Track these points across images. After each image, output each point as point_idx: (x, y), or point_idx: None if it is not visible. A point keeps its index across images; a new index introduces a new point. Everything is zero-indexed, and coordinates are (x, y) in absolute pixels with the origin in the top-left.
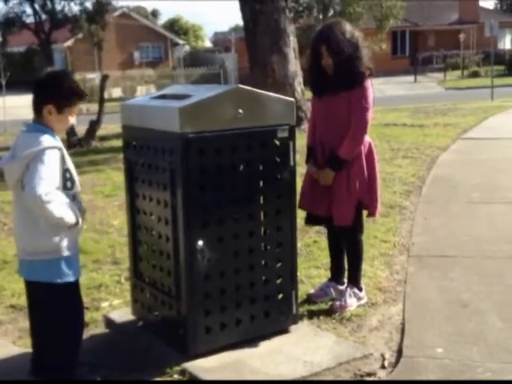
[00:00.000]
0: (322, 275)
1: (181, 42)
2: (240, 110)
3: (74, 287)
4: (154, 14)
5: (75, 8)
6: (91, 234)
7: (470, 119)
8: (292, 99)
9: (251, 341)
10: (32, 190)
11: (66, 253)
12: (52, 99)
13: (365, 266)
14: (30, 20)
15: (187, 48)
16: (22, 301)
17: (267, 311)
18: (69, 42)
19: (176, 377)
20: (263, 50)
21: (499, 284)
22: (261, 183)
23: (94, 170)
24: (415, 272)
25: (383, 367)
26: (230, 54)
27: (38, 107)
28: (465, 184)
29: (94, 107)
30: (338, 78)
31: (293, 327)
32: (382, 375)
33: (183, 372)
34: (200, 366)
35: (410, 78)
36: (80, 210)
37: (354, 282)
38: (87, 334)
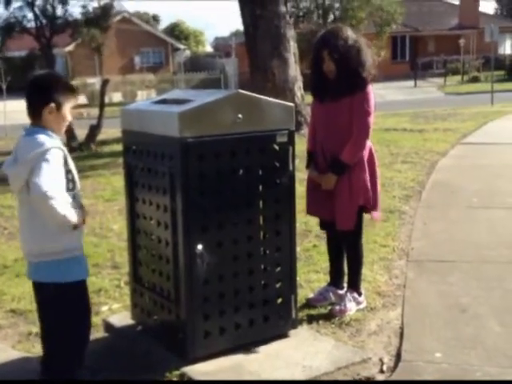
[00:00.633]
0: (322, 279)
1: (181, 46)
2: (239, 115)
3: (82, 288)
4: (155, 18)
5: (76, 12)
6: (91, 238)
7: (469, 124)
8: (291, 104)
9: (250, 345)
10: (37, 188)
11: (73, 253)
12: (51, 98)
13: (364, 271)
14: (30, 25)
15: (188, 53)
16: (22, 305)
17: (266, 315)
18: (69, 47)
19: (175, 380)
20: (263, 55)
21: (498, 289)
22: (260, 188)
23: (94, 175)
24: (414, 277)
25: (382, 371)
26: (231, 58)
27: (36, 111)
28: (464, 189)
29: (95, 112)
30: (340, 83)
31: (292, 332)
32: (381, 379)
33: (182, 376)
34: (199, 370)
35: (410, 83)
36: (82, 210)
37: (354, 286)
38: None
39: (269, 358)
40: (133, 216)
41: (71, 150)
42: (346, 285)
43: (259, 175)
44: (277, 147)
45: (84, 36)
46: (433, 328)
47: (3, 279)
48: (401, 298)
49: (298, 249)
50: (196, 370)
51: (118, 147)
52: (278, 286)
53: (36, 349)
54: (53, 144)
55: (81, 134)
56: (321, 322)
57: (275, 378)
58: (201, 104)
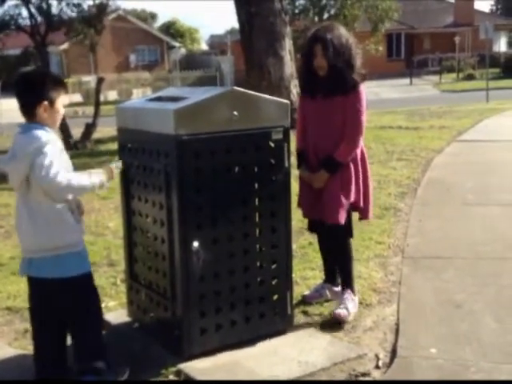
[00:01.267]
0: (317, 276)
1: (177, 44)
2: (235, 112)
3: (87, 280)
4: (153, 16)
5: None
6: (87, 236)
7: (465, 122)
8: (286, 101)
9: (246, 342)
10: (45, 178)
11: (75, 248)
12: (44, 96)
13: (360, 267)
14: (25, 23)
15: (183, 51)
16: (18, 303)
17: (262, 312)
18: (64, 45)
19: (171, 377)
20: (259, 53)
21: (493, 285)
22: (255, 185)
23: None
24: (409, 273)
25: (377, 367)
26: (226, 56)
27: (30, 109)
28: (459, 186)
29: (90, 110)
30: (332, 80)
31: (288, 328)
32: (377, 375)
33: (178, 373)
34: (195, 367)
35: (406, 81)
36: (79, 205)
37: (349, 286)
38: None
39: (265, 355)
40: (129, 213)
41: (67, 148)
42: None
43: (255, 172)
44: (272, 144)
45: (79, 34)
46: (428, 324)
47: None
48: (396, 295)
49: (294, 246)
50: (192, 367)
51: (114, 146)
52: (273, 282)
53: (32, 346)
54: (49, 137)
55: (76, 132)
56: (317, 318)
57: (271, 375)
58: (196, 101)
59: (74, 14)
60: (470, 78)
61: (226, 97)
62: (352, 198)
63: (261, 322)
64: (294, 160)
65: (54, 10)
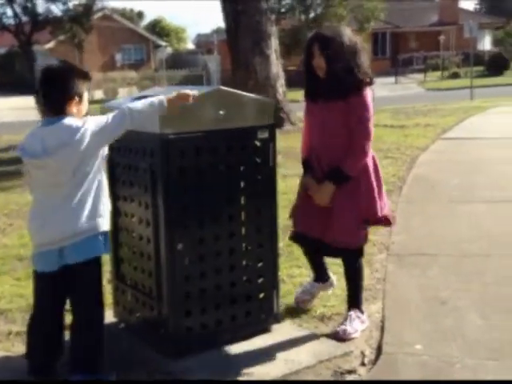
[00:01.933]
0: (304, 274)
1: (163, 43)
2: (221, 111)
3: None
4: (139, 15)
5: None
6: None
7: (449, 120)
8: (272, 100)
9: (232, 340)
10: (114, 117)
11: (105, 227)
12: (73, 92)
13: None
14: (10, 22)
15: (169, 50)
16: (2, 304)
17: (248, 311)
18: (50, 44)
19: (158, 377)
20: (245, 52)
21: (477, 282)
22: (241, 184)
23: None
24: (395, 270)
25: (363, 364)
26: (213, 55)
27: (59, 105)
28: (444, 183)
29: None
30: (332, 83)
31: (274, 326)
32: (362, 372)
33: (164, 372)
34: (181, 367)
35: (391, 79)
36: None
37: (356, 305)
38: (68, 336)
39: (251, 353)
40: (114, 213)
41: None
42: (334, 281)
43: (240, 171)
44: (258, 143)
45: (65, 33)
46: (413, 321)
47: None
48: (381, 292)
49: (280, 244)
50: (178, 366)
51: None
52: (260, 281)
53: (16, 348)
54: (82, 119)
55: None
56: (303, 316)
57: (258, 373)
58: None
59: (59, 13)
60: (455, 76)
61: (211, 96)
62: (366, 212)
63: (247, 320)
64: (279, 159)
65: (40, 9)
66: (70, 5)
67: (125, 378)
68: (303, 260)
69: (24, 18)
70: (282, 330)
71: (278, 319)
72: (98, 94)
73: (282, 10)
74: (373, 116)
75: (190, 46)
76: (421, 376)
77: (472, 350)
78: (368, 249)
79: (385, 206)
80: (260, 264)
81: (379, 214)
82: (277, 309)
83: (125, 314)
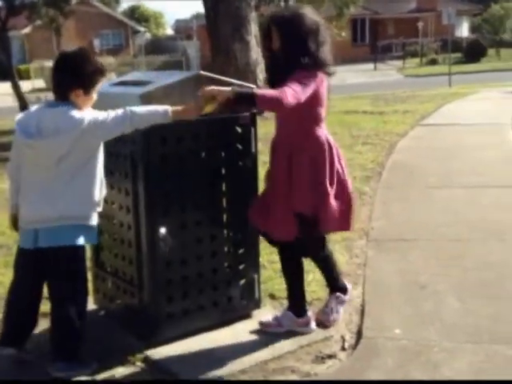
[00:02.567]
0: None
1: (141, 29)
2: None
3: (83, 253)
4: (117, 0)
5: None
6: None
7: (428, 106)
8: (253, 86)
9: (214, 326)
10: (111, 122)
11: (87, 221)
12: (78, 84)
13: None
14: None
15: (148, 35)
16: None
17: (230, 297)
18: (26, 30)
19: (139, 364)
20: (225, 38)
21: (456, 267)
22: (223, 170)
23: None
24: (374, 255)
25: (343, 349)
26: (192, 41)
27: (64, 92)
28: (423, 169)
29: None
30: (286, 63)
31: (255, 312)
32: (343, 357)
33: (146, 359)
34: (162, 353)
35: (370, 66)
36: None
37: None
38: (48, 324)
39: (232, 339)
40: None
41: None
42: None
43: (222, 157)
44: (239, 129)
45: (42, 18)
46: (393, 305)
47: None
48: (361, 277)
49: None
50: (160, 353)
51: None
52: (241, 267)
53: None
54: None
55: None
56: (283, 301)
57: (239, 358)
58: (162, 85)
59: None
60: (433, 62)
61: (191, 81)
62: (299, 206)
63: (228, 306)
64: (261, 146)
65: None
66: None
67: (106, 365)
68: None
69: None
70: (263, 316)
71: (258, 305)
72: None
73: None
74: (322, 101)
75: (169, 31)
76: (400, 360)
77: (450, 333)
78: (348, 234)
79: (324, 207)
80: (241, 250)
81: (309, 211)
82: (258, 294)
83: (105, 301)
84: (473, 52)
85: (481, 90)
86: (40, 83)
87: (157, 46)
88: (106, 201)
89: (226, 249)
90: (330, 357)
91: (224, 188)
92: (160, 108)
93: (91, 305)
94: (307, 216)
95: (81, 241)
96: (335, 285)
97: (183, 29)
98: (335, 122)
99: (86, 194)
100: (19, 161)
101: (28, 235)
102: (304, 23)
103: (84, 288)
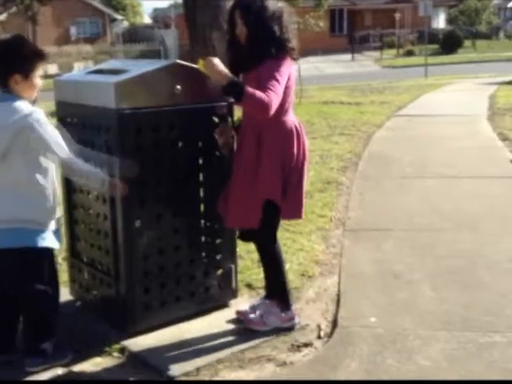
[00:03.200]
0: None
1: (119, 17)
2: (178, 86)
3: (51, 256)
4: None
5: None
6: None
7: (404, 97)
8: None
9: (191, 316)
10: (59, 156)
11: (49, 225)
12: (15, 68)
13: (302, 240)
14: None
15: (126, 24)
16: None
17: (207, 287)
18: (1, 17)
19: (116, 354)
20: (203, 27)
21: (430, 255)
22: (200, 160)
23: None
24: (350, 245)
25: (319, 337)
26: (170, 30)
27: (2, 80)
28: (399, 160)
29: None
30: (251, 49)
31: (232, 302)
32: (318, 345)
33: (123, 350)
34: (140, 344)
35: (348, 57)
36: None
37: (273, 297)
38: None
39: (209, 328)
40: (69, 190)
41: None
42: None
43: (199, 147)
44: (216, 119)
45: (18, 4)
46: (368, 294)
47: None
48: (337, 266)
49: None
50: (137, 343)
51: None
52: (218, 257)
53: None
54: (32, 107)
55: None
56: (260, 291)
57: (216, 348)
58: (138, 74)
59: None
60: (410, 53)
61: (168, 70)
62: (265, 193)
63: (206, 296)
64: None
65: None
66: None
67: (82, 355)
68: None
69: None
70: (240, 305)
71: (235, 294)
72: (53, 69)
73: None
74: (285, 84)
75: (147, 20)
76: (376, 347)
77: (424, 321)
78: (324, 224)
79: (288, 195)
80: (218, 240)
81: (277, 198)
82: (235, 284)
83: (81, 291)
84: (449, 43)
85: (456, 81)
86: None
87: (134, 35)
88: (81, 191)
89: (203, 239)
90: (306, 345)
91: (201, 178)
92: (100, 174)
93: (67, 295)
94: (272, 203)
95: (32, 243)
96: (273, 291)
97: (161, 17)
98: (313, 113)
99: (40, 198)
100: None
101: None
102: (268, 8)
103: (52, 285)
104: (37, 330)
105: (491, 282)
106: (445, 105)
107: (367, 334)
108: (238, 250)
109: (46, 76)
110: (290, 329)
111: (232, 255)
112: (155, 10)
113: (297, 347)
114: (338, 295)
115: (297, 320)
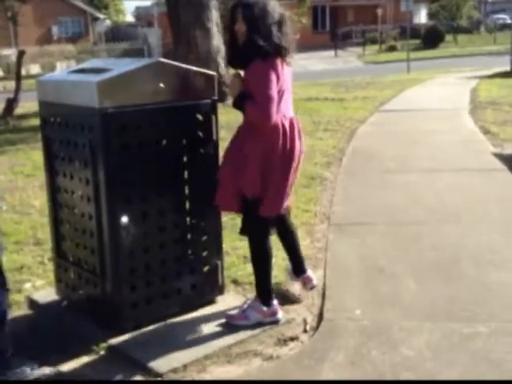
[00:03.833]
0: (247, 246)
1: (101, 16)
2: (161, 84)
3: None
4: None
5: None
6: (11, 215)
7: (387, 92)
8: (214, 73)
9: (178, 314)
10: None
11: None
12: None
13: None
14: None
15: (108, 23)
16: None
17: (194, 284)
18: None
19: (102, 353)
20: (186, 25)
21: (414, 249)
22: (184, 158)
23: (12, 150)
24: (335, 239)
25: (305, 331)
26: (153, 28)
27: None
28: (382, 155)
29: (11, 85)
30: (247, 47)
31: (219, 298)
32: (304, 339)
33: (110, 348)
34: (126, 342)
35: (331, 53)
36: None
37: (257, 293)
38: (9, 316)
39: (197, 325)
40: (54, 190)
41: None
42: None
43: (183, 145)
44: (200, 117)
45: None
46: (353, 288)
47: None
48: (322, 261)
49: (224, 218)
50: (124, 342)
51: (37, 121)
52: (204, 254)
53: None
54: None
55: None
56: (246, 287)
57: (203, 344)
58: (120, 73)
59: None
60: (392, 49)
61: (151, 68)
62: (251, 192)
63: (192, 292)
64: (222, 133)
65: None
66: None
67: (69, 355)
68: None
69: None
70: (227, 301)
71: (222, 291)
72: (35, 69)
73: None
74: (281, 88)
75: (129, 18)
76: (361, 340)
77: (409, 313)
78: (309, 219)
79: (268, 195)
80: (204, 237)
81: (251, 194)
82: (221, 281)
83: (68, 291)
84: (430, 38)
85: (438, 75)
86: None
87: (117, 34)
88: (66, 190)
89: (189, 236)
90: (293, 339)
91: (186, 175)
92: None
93: (53, 295)
94: (249, 199)
95: None
96: (256, 285)
97: (144, 16)
98: (297, 109)
99: None
100: None
101: None
102: (269, 10)
103: None
104: None
105: (474, 273)
106: (427, 99)
107: (352, 326)
108: (224, 246)
109: (28, 76)
110: (274, 323)
111: (218, 252)
112: (138, 8)
113: (283, 341)
114: (324, 289)
115: (280, 315)
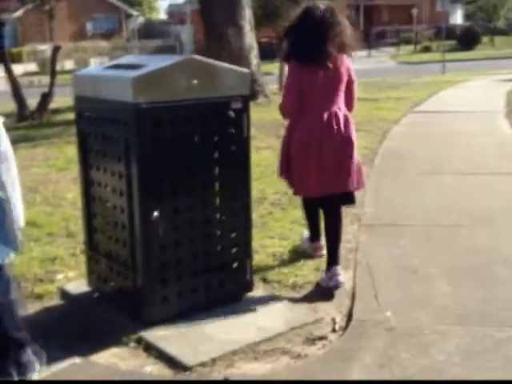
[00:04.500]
0: (276, 245)
1: (135, 13)
2: (194, 81)
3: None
4: None
5: None
6: (44, 207)
7: (421, 93)
8: (247, 70)
9: (206, 308)
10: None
11: None
12: None
13: None
14: None
15: (141, 19)
16: None
17: (222, 280)
18: (18, 13)
19: (132, 345)
20: (218, 23)
21: (447, 251)
22: (215, 154)
23: (46, 144)
24: (366, 240)
25: (334, 331)
26: (186, 26)
27: None
28: (415, 156)
29: (46, 79)
30: (287, 50)
31: (247, 295)
32: (333, 338)
33: (139, 340)
34: (156, 334)
35: (364, 53)
36: None
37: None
38: (41, 306)
39: (224, 321)
40: (87, 183)
41: (22, 118)
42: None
43: (214, 141)
44: (232, 114)
45: (34, 1)
46: (383, 289)
47: None
48: (353, 261)
49: (254, 215)
50: (153, 334)
51: (71, 116)
52: (233, 251)
53: None
54: None
55: (32, 102)
56: (275, 285)
57: (230, 340)
58: (155, 69)
59: None
60: (427, 50)
61: (185, 65)
62: (278, 171)
63: (221, 288)
64: (254, 131)
65: None
66: None
67: (99, 346)
68: (276, 231)
69: None
70: (255, 299)
71: (251, 288)
72: (69, 64)
73: None
74: (306, 89)
75: (163, 15)
76: (390, 341)
77: (440, 316)
78: None
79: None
80: (234, 234)
81: (279, 176)
82: (250, 278)
83: (99, 283)
84: (466, 39)
85: (474, 77)
86: (32, 67)
87: (150, 31)
88: (99, 184)
89: (218, 232)
90: (321, 338)
91: (217, 172)
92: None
93: (85, 287)
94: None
95: None
96: (329, 257)
97: (177, 13)
98: None
99: None
100: None
101: None
102: (315, 19)
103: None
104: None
105: (508, 277)
106: (462, 101)
107: (382, 327)
108: (253, 244)
109: (63, 71)
110: (336, 287)
111: (247, 249)
112: (171, 5)
113: (311, 340)
114: (353, 289)
115: (341, 279)
